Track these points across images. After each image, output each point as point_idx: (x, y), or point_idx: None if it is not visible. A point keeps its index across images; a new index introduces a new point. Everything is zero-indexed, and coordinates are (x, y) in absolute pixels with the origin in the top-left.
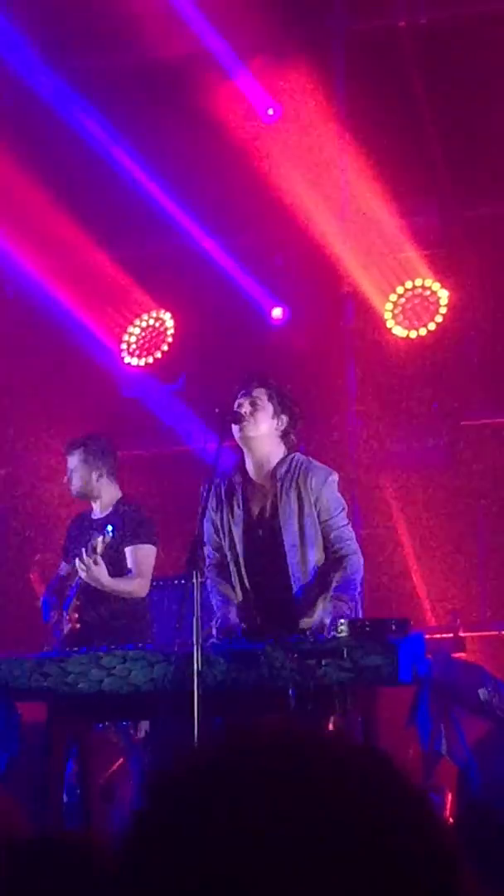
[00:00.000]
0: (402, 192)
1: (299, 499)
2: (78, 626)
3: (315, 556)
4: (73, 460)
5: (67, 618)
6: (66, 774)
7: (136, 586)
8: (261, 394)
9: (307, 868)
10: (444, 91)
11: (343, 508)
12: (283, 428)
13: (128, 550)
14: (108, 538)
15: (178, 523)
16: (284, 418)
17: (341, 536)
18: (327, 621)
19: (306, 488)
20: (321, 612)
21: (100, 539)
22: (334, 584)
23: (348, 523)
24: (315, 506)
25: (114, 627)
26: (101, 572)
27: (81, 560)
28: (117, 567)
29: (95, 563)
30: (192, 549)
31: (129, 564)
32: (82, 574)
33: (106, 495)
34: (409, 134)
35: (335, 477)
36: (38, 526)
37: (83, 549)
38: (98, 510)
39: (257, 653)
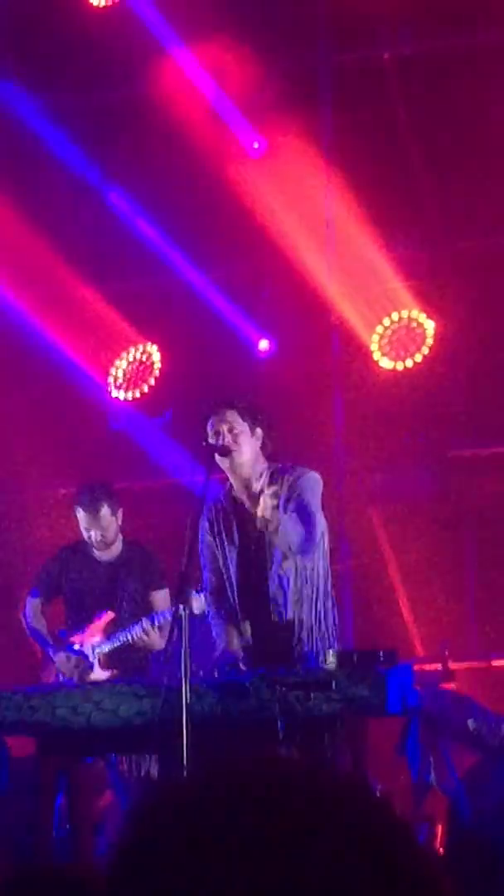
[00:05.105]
0: (388, 224)
1: (279, 507)
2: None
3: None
4: (103, 512)
5: (102, 669)
6: (56, 808)
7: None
8: (234, 416)
9: None
10: (430, 122)
11: (316, 499)
12: (261, 442)
13: (158, 595)
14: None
15: (167, 557)
16: (260, 431)
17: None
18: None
19: (287, 492)
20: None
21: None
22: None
23: (324, 526)
24: (289, 502)
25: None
26: (157, 638)
27: (143, 630)
28: (142, 610)
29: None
30: (179, 582)
31: (162, 608)
32: (143, 638)
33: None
34: (394, 165)
35: (315, 475)
36: (26, 560)
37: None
38: (105, 554)
39: (246, 685)
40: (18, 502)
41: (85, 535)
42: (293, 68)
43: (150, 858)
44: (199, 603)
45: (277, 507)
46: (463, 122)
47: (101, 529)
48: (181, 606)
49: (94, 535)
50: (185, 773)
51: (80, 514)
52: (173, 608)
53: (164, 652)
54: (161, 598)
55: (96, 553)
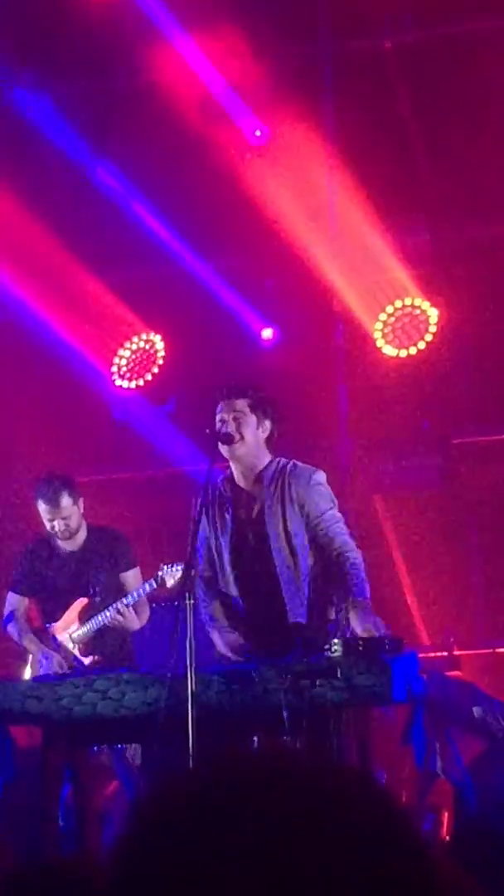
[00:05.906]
0: (390, 212)
1: (283, 502)
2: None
3: (308, 561)
4: (64, 502)
5: (82, 655)
6: (62, 798)
7: (145, 612)
8: (243, 406)
9: (290, 894)
10: (432, 110)
11: (332, 505)
12: (267, 434)
13: (128, 575)
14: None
15: (170, 545)
16: (268, 424)
17: (335, 533)
18: (365, 629)
19: (291, 493)
20: (355, 622)
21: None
22: (351, 589)
23: (341, 518)
24: (303, 510)
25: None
26: (133, 618)
27: (118, 611)
28: (114, 593)
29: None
30: (184, 571)
31: (135, 587)
32: (118, 618)
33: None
34: (397, 153)
35: (319, 476)
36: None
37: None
38: (70, 544)
39: (251, 674)
40: (21, 493)
41: (48, 526)
42: (295, 56)
43: (151, 852)
44: (173, 579)
45: (281, 500)
46: (465, 109)
47: (64, 519)
48: (186, 595)
49: (57, 526)
50: (191, 762)
51: (42, 507)
52: (179, 597)
53: (171, 638)
54: (132, 578)
55: (61, 544)
